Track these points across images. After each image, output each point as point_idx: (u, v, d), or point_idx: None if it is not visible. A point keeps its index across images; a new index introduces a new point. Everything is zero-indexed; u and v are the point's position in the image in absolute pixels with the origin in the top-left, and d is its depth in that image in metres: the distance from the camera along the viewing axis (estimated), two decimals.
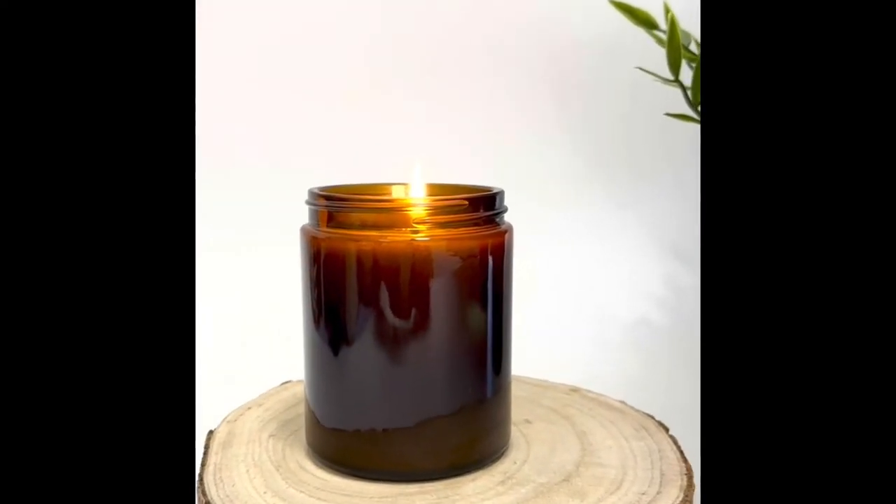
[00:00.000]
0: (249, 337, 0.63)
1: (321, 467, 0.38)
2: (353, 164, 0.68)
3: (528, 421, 0.44)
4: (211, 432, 0.43)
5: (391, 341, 0.36)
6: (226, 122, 0.68)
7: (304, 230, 0.38)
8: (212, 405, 0.49)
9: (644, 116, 0.72)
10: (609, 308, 0.72)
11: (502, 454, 0.39)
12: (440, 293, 0.36)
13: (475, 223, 0.37)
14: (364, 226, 0.36)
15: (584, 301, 0.72)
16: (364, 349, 0.36)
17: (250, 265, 0.67)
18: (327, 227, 0.37)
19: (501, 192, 0.39)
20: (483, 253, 0.37)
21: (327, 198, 0.37)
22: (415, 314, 0.35)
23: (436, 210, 0.36)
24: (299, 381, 0.50)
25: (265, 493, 0.36)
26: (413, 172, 0.42)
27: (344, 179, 0.45)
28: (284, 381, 0.51)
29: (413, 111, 0.72)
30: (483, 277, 0.37)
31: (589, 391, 0.49)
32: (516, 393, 0.46)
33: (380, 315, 0.36)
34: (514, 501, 0.35)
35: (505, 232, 0.38)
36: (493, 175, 0.71)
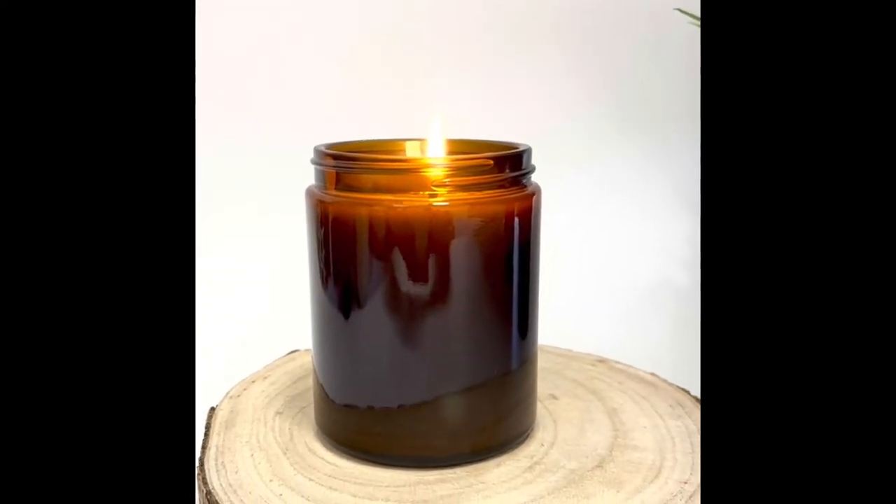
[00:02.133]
0: (253, 304, 0.59)
1: (332, 450, 0.35)
2: (364, 119, 0.64)
3: (553, 396, 0.41)
4: (212, 409, 0.40)
5: (407, 311, 0.32)
6: (226, 70, 0.64)
7: (310, 193, 0.34)
8: (213, 377, 0.46)
9: (669, 66, 0.67)
10: (631, 269, 0.68)
11: (528, 436, 0.36)
12: (460, 262, 0.32)
13: (500, 185, 0.33)
14: (377, 189, 0.32)
15: (605, 262, 0.68)
16: (377, 319, 0.33)
17: (254, 227, 0.63)
18: (336, 189, 0.33)
19: (528, 150, 0.35)
20: (509, 219, 0.33)
21: (335, 157, 0.33)
22: (432, 284, 0.32)
23: (457, 171, 0.32)
24: (307, 351, 0.47)
25: (271, 480, 0.33)
26: (431, 127, 0.38)
27: (355, 135, 0.41)
28: (291, 350, 0.47)
29: (429, 63, 0.67)
30: (508, 245, 0.33)
31: (617, 362, 0.46)
32: (539, 364, 0.42)
33: (394, 285, 0.32)
34: (544, 492, 0.32)
35: (532, 194, 0.34)
36: (506, 128, 0.67)
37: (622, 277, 0.68)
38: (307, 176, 0.35)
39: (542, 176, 0.36)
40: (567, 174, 0.70)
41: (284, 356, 0.47)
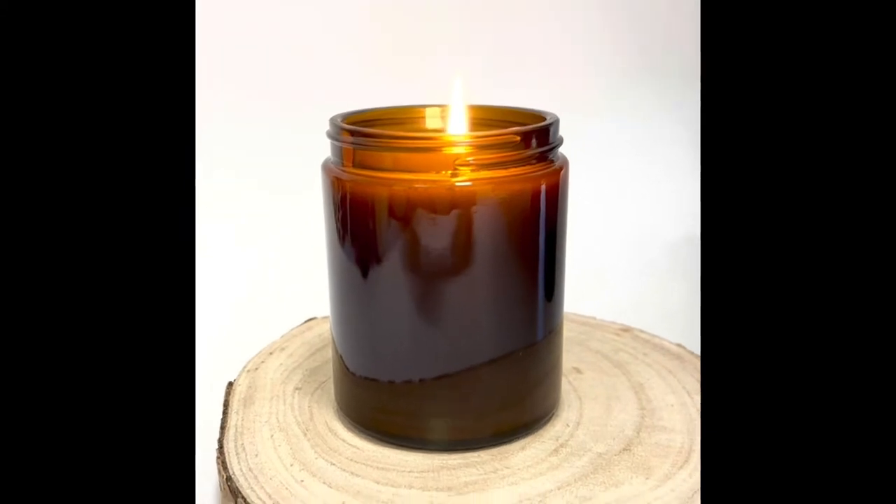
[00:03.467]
0: (270, 271, 0.58)
1: (352, 431, 0.35)
2: (383, 82, 0.61)
3: (577, 370, 0.40)
4: (230, 385, 0.39)
5: (428, 282, 0.31)
6: (242, 31, 0.61)
7: (326, 168, 0.33)
8: (230, 349, 0.45)
9: (692, 16, 0.64)
10: (654, 225, 0.66)
11: (552, 415, 0.35)
12: (484, 239, 0.31)
13: (526, 161, 0.31)
14: (396, 167, 0.30)
15: (626, 219, 0.66)
16: (398, 290, 0.31)
17: (273, 194, 0.62)
18: (353, 167, 0.31)
19: (556, 122, 0.33)
20: (535, 197, 0.31)
21: (352, 133, 0.31)
22: (454, 255, 0.31)
23: (481, 149, 0.30)
24: (325, 318, 0.46)
25: (292, 465, 0.32)
26: (452, 93, 0.36)
27: (373, 100, 0.39)
28: (308, 318, 0.47)
29: (443, 18, 0.64)
30: (535, 221, 0.32)
31: (641, 331, 0.45)
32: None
33: (414, 261, 0.31)
34: (570, 478, 0.31)
35: (560, 169, 0.32)
36: (525, 83, 0.65)
37: (645, 234, 0.66)
38: (325, 143, 0.34)
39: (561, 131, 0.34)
40: (585, 128, 0.67)
41: (301, 325, 0.46)
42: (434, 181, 0.30)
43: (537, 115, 0.34)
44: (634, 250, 0.64)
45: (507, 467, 0.32)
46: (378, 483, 0.31)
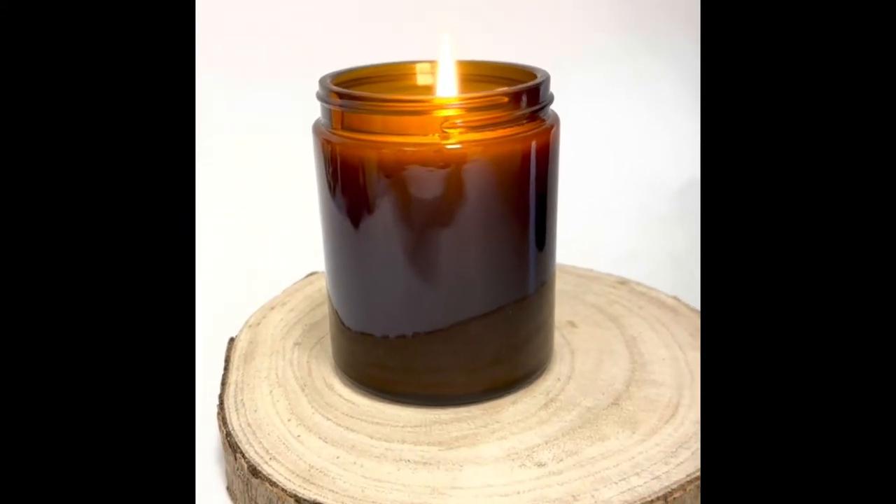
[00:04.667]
0: (271, 226, 0.59)
1: (349, 386, 0.36)
2: (373, 38, 0.60)
3: (572, 324, 0.41)
4: (232, 340, 0.40)
5: (419, 237, 0.31)
6: None
7: (316, 129, 0.33)
8: (236, 304, 0.46)
9: None
10: (651, 173, 0.66)
11: (544, 370, 0.36)
12: (473, 202, 0.31)
13: (516, 122, 0.31)
14: (385, 130, 0.30)
15: (622, 166, 0.66)
16: (390, 245, 0.32)
17: (277, 147, 0.62)
18: (342, 129, 0.32)
19: (546, 79, 0.32)
20: (525, 157, 0.31)
21: (341, 95, 0.31)
22: (445, 209, 0.31)
23: (470, 110, 0.30)
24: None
25: (289, 420, 0.33)
26: (441, 48, 0.35)
27: (361, 57, 0.38)
28: (309, 272, 0.47)
29: None
30: (525, 183, 0.32)
31: (638, 284, 0.45)
32: (558, 286, 0.42)
33: (405, 217, 0.31)
34: (559, 432, 0.32)
35: (551, 128, 0.32)
36: (513, 33, 0.63)
37: (647, 180, 0.66)
38: (315, 102, 0.33)
39: (553, 78, 0.34)
40: (579, 73, 0.66)
41: (303, 279, 0.47)
42: (423, 144, 0.30)
43: (528, 72, 0.34)
44: (636, 199, 0.63)
45: (498, 422, 0.33)
46: (372, 438, 0.32)
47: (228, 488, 0.34)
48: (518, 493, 0.29)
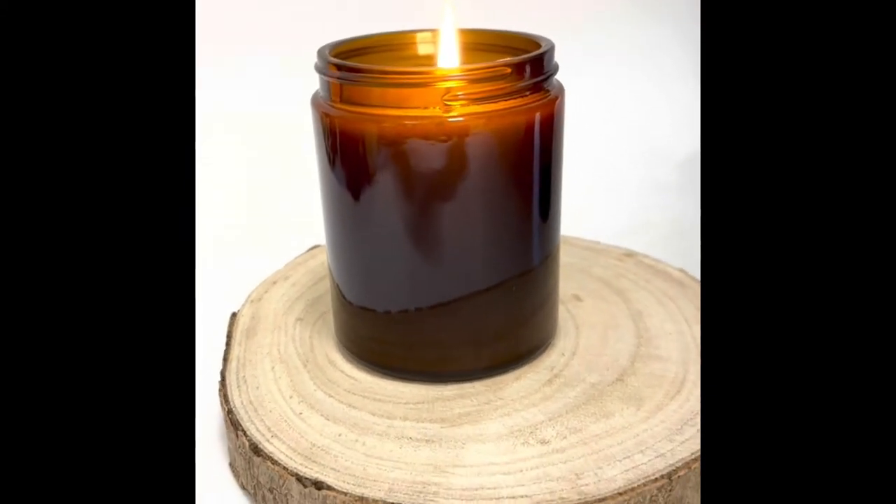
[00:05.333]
0: (273, 199, 0.58)
1: (351, 362, 0.35)
2: (371, 7, 0.59)
3: (577, 297, 0.40)
4: (234, 315, 0.40)
5: (421, 209, 0.31)
6: None
7: (315, 102, 0.32)
8: (237, 277, 0.46)
9: None
10: (657, 142, 0.65)
11: (549, 345, 0.36)
12: (476, 174, 0.30)
13: (520, 93, 0.30)
14: (385, 103, 0.30)
15: (626, 135, 0.65)
16: (391, 217, 0.31)
17: (280, 118, 0.61)
18: (341, 102, 0.31)
19: (551, 49, 0.32)
20: (529, 129, 0.31)
21: (339, 67, 0.30)
22: (447, 182, 0.30)
23: (472, 82, 0.29)
24: None
25: (291, 397, 0.33)
26: (443, 18, 0.34)
27: (362, 26, 0.37)
28: (312, 245, 0.47)
29: None
30: (528, 155, 0.31)
31: (645, 257, 0.44)
32: (564, 260, 0.41)
33: (407, 190, 0.30)
34: (562, 409, 0.32)
35: (555, 99, 0.32)
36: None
37: (653, 150, 0.65)
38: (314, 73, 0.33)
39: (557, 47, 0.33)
40: (582, 43, 0.65)
41: (305, 252, 0.46)
42: (424, 117, 0.29)
43: (532, 41, 0.33)
44: (643, 170, 0.62)
45: (501, 398, 0.32)
46: (374, 415, 0.32)
47: (231, 465, 0.34)
48: (521, 471, 0.28)
